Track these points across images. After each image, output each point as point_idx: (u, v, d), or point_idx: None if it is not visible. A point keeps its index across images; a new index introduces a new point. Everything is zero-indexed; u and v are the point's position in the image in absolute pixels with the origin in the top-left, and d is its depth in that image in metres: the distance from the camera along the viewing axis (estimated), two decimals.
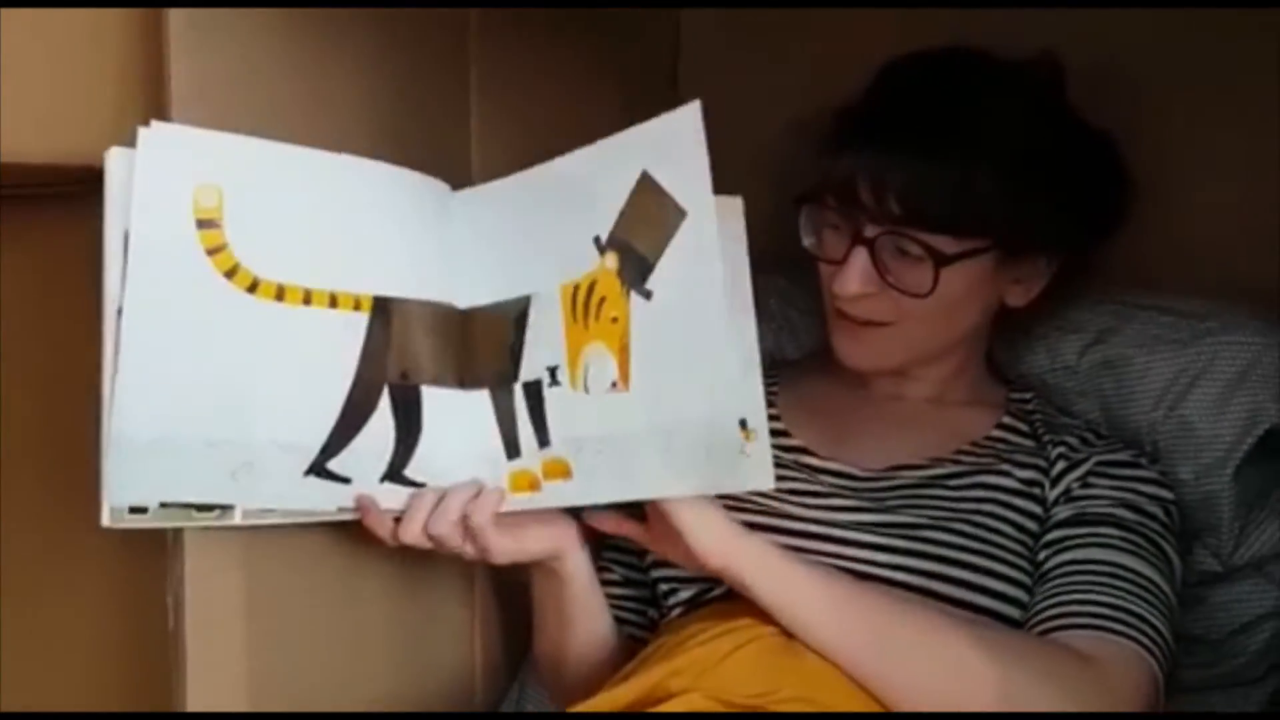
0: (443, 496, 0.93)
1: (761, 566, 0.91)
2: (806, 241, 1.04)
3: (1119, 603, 0.92)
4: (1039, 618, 0.93)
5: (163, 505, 0.82)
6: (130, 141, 0.82)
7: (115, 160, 0.83)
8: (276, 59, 0.91)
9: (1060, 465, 1.02)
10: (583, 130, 1.19)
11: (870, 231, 0.99)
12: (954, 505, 1.00)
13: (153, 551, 0.88)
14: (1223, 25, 1.09)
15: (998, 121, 1.00)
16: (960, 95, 1.01)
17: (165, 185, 0.84)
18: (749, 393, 0.97)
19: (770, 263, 1.01)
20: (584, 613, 1.03)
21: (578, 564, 1.01)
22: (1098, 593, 0.93)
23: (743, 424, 0.96)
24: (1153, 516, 0.99)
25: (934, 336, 1.05)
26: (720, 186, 1.03)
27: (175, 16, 0.83)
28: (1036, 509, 1.01)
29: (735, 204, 1.02)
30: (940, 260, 0.98)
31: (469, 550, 0.95)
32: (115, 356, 0.82)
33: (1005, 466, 1.03)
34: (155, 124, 0.83)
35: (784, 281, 1.20)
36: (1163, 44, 1.13)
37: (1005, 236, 1.00)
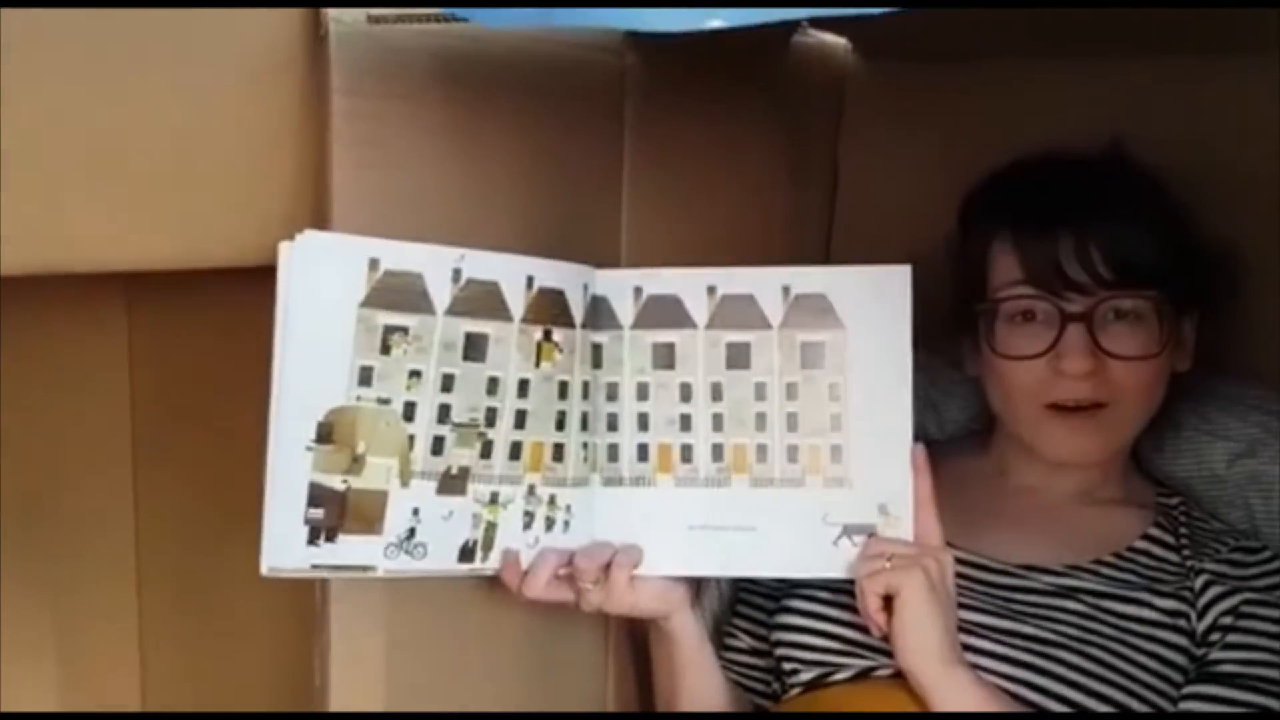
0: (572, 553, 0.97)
1: (959, 700, 0.92)
2: (998, 347, 1.03)
3: None
4: None
5: (314, 566, 0.90)
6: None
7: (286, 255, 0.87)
8: (432, 156, 0.95)
9: (1208, 595, 0.99)
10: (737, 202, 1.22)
11: (1080, 306, 0.99)
12: (1091, 626, 0.98)
13: (307, 603, 0.96)
14: None
15: (1141, 185, 1.04)
16: (1091, 174, 1.04)
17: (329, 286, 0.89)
18: (896, 475, 0.98)
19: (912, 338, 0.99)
20: (692, 673, 1.07)
21: (684, 624, 1.04)
22: None
23: (883, 509, 0.98)
24: None
25: (1144, 413, 1.04)
26: (871, 253, 1.03)
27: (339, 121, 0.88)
28: (1183, 641, 0.98)
29: (903, 274, 0.99)
30: (1165, 313, 1.00)
31: (590, 599, 0.98)
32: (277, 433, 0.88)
33: (1145, 595, 0.99)
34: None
35: (926, 357, 1.14)
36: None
37: (1181, 286, 1.02)
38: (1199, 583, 1.00)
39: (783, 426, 1.00)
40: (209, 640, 1.13)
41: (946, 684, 0.92)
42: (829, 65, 1.36)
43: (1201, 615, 0.99)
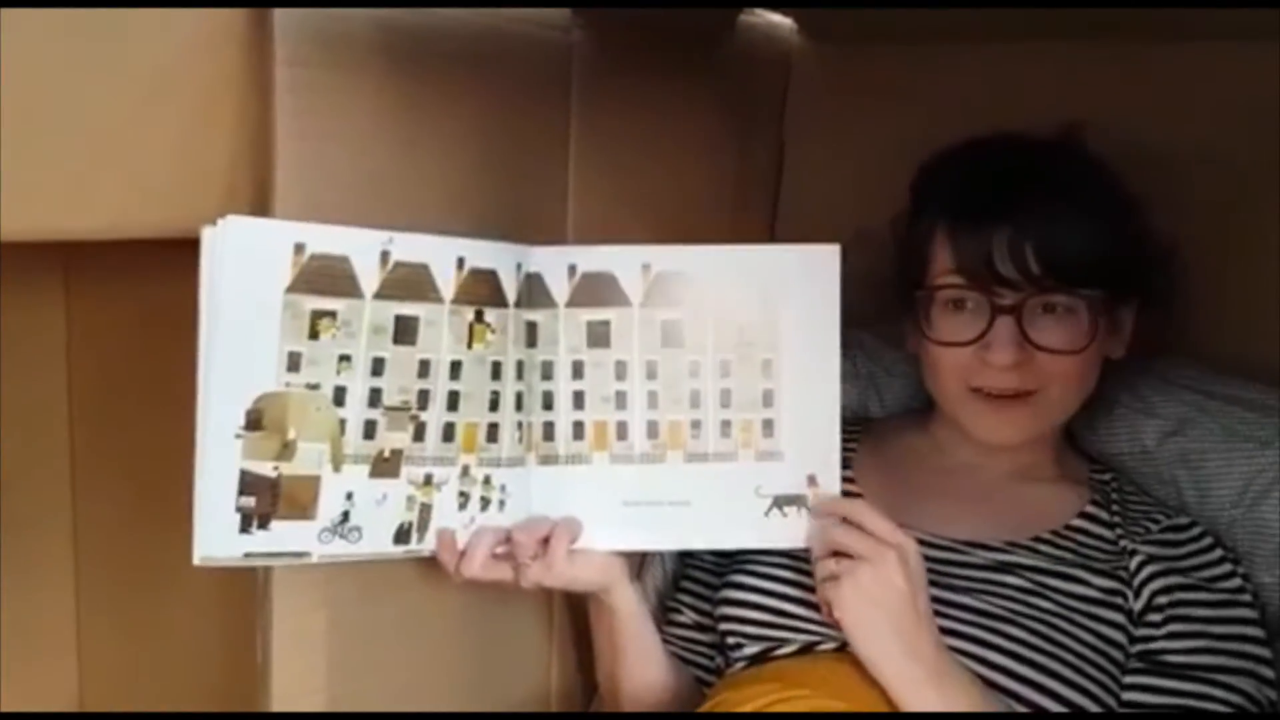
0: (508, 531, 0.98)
1: (912, 694, 0.92)
2: (930, 332, 1.04)
3: None
4: None
5: (247, 555, 0.91)
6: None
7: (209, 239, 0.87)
8: (376, 128, 0.95)
9: (1142, 575, 1.01)
10: (682, 179, 1.22)
11: (1010, 299, 0.99)
12: (1031, 601, 0.99)
13: (244, 591, 0.97)
14: None
15: (1084, 178, 1.03)
16: (1035, 165, 1.04)
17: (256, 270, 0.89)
18: (824, 448, 1.00)
19: (857, 318, 1.01)
20: (634, 646, 1.07)
21: (624, 597, 1.05)
22: None
23: (811, 479, 1.01)
24: (1253, 642, 1.00)
25: (1074, 399, 1.05)
26: (815, 231, 1.04)
27: (281, 96, 0.88)
28: (1121, 619, 1.00)
29: (833, 252, 1.01)
30: (1097, 309, 1.00)
31: (529, 574, 0.98)
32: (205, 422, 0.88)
33: (1081, 573, 1.01)
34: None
35: (870, 338, 1.19)
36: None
37: (1116, 282, 1.01)
38: (1134, 563, 1.02)
39: (716, 403, 1.02)
40: (148, 624, 1.13)
41: (918, 706, 0.91)
42: (775, 45, 1.37)
43: (1137, 594, 1.00)
